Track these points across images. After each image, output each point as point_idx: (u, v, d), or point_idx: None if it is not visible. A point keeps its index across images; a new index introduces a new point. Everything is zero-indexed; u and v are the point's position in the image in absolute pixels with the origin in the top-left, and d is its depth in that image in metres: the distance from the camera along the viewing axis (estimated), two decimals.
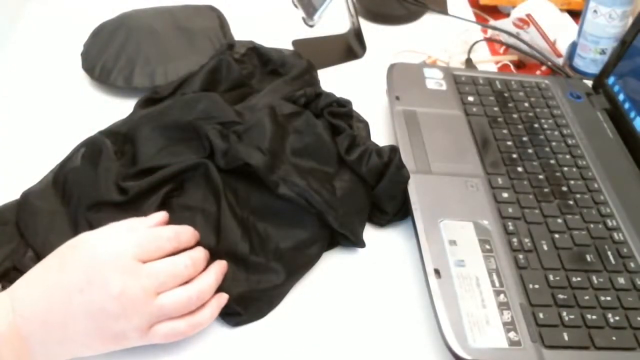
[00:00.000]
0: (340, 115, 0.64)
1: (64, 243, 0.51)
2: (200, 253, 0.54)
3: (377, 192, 0.61)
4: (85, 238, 0.51)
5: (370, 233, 0.62)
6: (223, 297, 0.54)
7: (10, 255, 0.56)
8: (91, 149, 0.63)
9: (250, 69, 0.74)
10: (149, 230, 0.52)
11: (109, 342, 0.49)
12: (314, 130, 0.62)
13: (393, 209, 0.61)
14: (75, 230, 0.57)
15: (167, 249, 0.51)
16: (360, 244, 0.60)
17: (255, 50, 0.76)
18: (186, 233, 0.54)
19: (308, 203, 0.57)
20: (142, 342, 0.50)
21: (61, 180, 0.61)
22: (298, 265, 0.57)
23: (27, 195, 0.60)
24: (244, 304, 0.55)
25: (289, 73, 0.72)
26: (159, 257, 0.50)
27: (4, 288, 0.50)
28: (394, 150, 0.61)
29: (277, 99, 0.66)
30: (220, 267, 0.55)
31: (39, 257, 0.55)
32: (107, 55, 0.78)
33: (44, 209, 0.59)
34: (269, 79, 0.74)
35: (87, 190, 0.59)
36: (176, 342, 0.52)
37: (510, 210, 0.60)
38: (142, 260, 0.49)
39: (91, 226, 0.55)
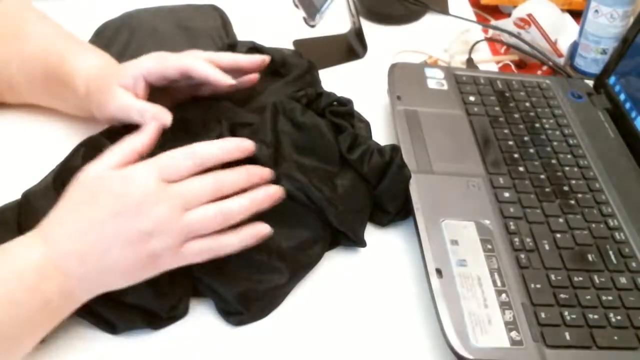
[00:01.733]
0: (341, 114, 0.63)
1: (82, 175, 0.52)
2: (227, 174, 0.53)
3: (378, 192, 0.61)
4: (110, 170, 0.52)
5: (371, 232, 0.62)
6: (256, 228, 0.53)
7: None
8: (91, 149, 0.63)
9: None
10: (171, 153, 0.52)
11: (145, 265, 0.50)
12: (316, 129, 0.62)
13: (395, 208, 0.61)
14: None
15: (189, 167, 0.52)
16: (361, 243, 0.60)
17: (256, 51, 0.76)
18: (205, 150, 0.53)
19: (308, 199, 0.57)
20: (177, 262, 0.51)
21: (61, 181, 0.61)
22: (300, 265, 0.57)
23: (27, 196, 0.60)
24: (246, 303, 0.55)
25: (290, 73, 0.72)
26: (184, 177, 0.51)
27: None
28: (395, 149, 0.61)
29: (279, 99, 0.66)
30: (266, 192, 0.53)
31: None
32: (109, 55, 0.77)
33: (45, 208, 0.59)
34: (270, 79, 0.73)
35: None
36: (178, 342, 0.52)
37: (511, 209, 0.61)
38: (167, 181, 0.50)
39: None
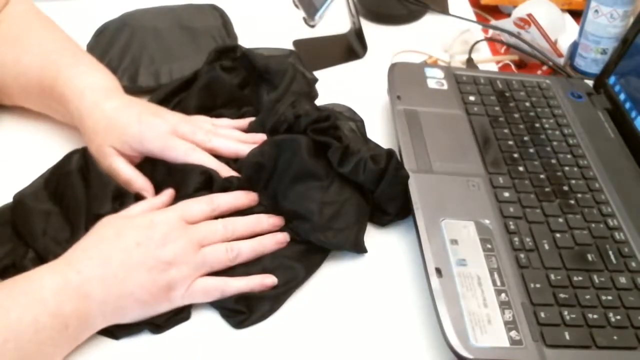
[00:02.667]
0: (325, 130, 0.62)
1: (106, 217, 0.56)
2: (236, 221, 0.59)
3: (377, 194, 0.61)
4: (138, 210, 0.58)
5: (371, 232, 0.62)
6: (264, 278, 0.56)
7: (10, 253, 0.56)
8: (84, 155, 0.63)
9: (243, 73, 0.73)
10: (193, 199, 0.59)
11: (160, 294, 0.53)
12: (297, 154, 0.61)
13: (394, 209, 0.61)
14: (72, 232, 0.58)
15: (206, 212, 0.58)
16: (361, 251, 0.60)
17: (245, 57, 0.74)
18: (222, 196, 0.60)
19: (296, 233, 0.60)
20: (187, 298, 0.54)
21: (53, 184, 0.61)
22: (302, 268, 0.58)
23: (20, 197, 0.60)
24: (248, 304, 0.55)
25: (273, 80, 0.72)
26: (201, 220, 0.58)
27: None
28: (389, 155, 0.60)
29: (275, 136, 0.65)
30: (267, 239, 0.59)
31: (40, 258, 0.56)
32: (111, 55, 0.78)
33: (38, 209, 0.59)
34: (259, 84, 0.73)
35: (81, 199, 0.59)
36: (181, 343, 0.53)
37: (511, 209, 0.61)
38: (187, 222, 0.56)
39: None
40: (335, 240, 0.58)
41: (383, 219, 0.62)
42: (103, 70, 0.68)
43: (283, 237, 0.59)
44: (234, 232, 0.58)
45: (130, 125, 0.62)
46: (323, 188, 0.60)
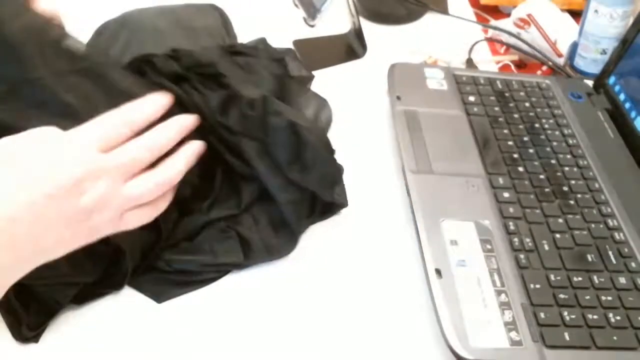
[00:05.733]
0: (209, 76, 0.60)
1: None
2: (160, 134, 0.52)
3: (309, 186, 0.60)
4: (39, 132, 0.47)
5: (371, 233, 0.62)
6: (188, 150, 0.53)
7: None
8: None
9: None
10: (101, 120, 0.51)
11: (82, 239, 0.48)
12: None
13: (297, 172, 0.59)
14: None
15: (125, 133, 0.51)
16: (334, 199, 0.60)
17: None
18: (138, 110, 0.53)
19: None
20: (117, 229, 0.50)
21: None
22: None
23: None
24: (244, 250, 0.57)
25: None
26: (120, 143, 0.50)
27: None
28: (265, 99, 0.58)
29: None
30: (191, 149, 0.54)
31: None
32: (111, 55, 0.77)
33: None
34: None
35: None
36: (176, 340, 0.52)
37: (511, 210, 0.61)
38: (103, 150, 0.49)
39: None
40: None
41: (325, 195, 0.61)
42: None
43: (200, 146, 0.55)
44: (160, 151, 0.52)
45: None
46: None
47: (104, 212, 0.48)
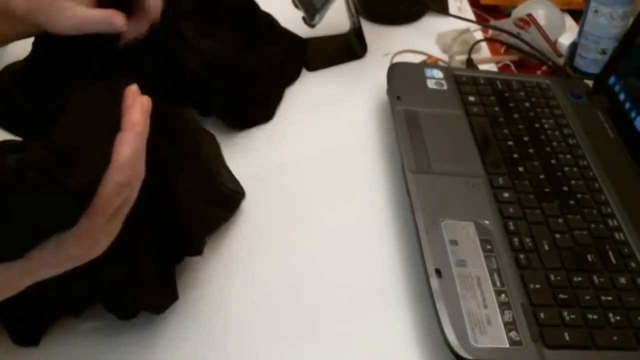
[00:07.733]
0: None
1: None
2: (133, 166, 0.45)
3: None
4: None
5: (370, 233, 0.62)
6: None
7: None
8: None
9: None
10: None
11: (69, 265, 0.45)
12: None
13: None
14: None
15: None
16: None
17: None
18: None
19: None
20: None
21: None
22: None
23: None
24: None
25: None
26: None
27: None
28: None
29: None
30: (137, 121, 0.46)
31: None
32: None
33: None
34: None
35: None
36: (176, 341, 0.52)
37: (511, 210, 0.61)
38: None
39: None
40: None
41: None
42: None
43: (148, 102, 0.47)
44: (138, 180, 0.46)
45: None
46: None
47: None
